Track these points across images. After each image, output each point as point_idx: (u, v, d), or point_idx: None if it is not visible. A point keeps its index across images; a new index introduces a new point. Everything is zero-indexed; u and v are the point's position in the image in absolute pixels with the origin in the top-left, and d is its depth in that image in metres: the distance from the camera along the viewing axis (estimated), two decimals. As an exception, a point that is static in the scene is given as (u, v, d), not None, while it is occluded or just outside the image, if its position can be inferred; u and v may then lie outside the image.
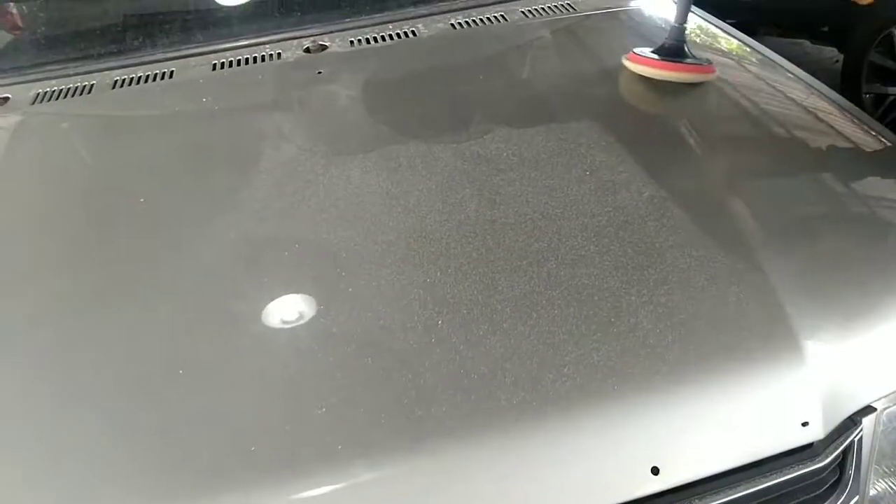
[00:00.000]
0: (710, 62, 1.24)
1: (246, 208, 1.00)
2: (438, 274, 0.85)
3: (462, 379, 0.73)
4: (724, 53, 1.40)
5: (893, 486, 0.85)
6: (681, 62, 1.22)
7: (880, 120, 3.25)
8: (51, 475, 0.69)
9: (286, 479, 0.67)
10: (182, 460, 0.69)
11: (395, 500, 0.67)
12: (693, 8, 1.55)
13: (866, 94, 3.26)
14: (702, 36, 1.45)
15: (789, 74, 1.28)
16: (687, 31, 1.25)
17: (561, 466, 0.68)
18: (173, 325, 0.83)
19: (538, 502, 0.67)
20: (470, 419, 0.70)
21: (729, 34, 1.45)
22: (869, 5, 2.23)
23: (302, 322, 0.81)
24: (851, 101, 1.29)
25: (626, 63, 1.24)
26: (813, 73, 1.30)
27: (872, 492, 0.83)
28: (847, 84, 3.32)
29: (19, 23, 1.65)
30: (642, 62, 1.22)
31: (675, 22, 1.25)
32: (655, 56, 1.22)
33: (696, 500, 0.69)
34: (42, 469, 0.70)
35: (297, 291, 0.86)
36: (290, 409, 0.72)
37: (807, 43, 3.78)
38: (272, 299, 0.85)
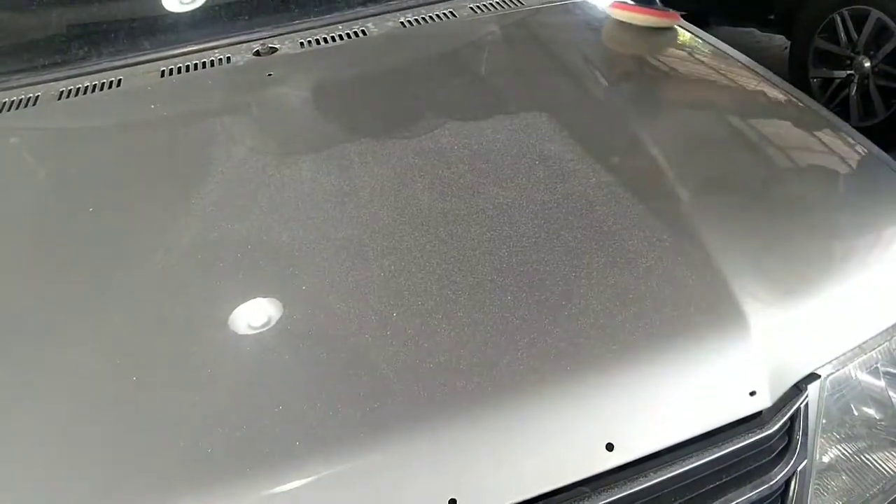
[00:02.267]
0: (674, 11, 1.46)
1: (198, 213, 0.99)
2: (392, 267, 0.85)
3: (417, 368, 0.73)
4: (676, 45, 1.42)
5: (845, 452, 0.88)
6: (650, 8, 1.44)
7: (827, 103, 3.35)
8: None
9: (244, 479, 0.67)
10: (137, 465, 0.68)
11: (356, 493, 0.67)
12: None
13: (813, 78, 3.36)
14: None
15: (739, 64, 1.31)
16: None
17: (518, 449, 0.69)
18: (126, 331, 0.82)
19: (498, 485, 0.68)
20: (427, 408, 0.70)
21: (681, 27, 1.47)
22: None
23: (256, 322, 0.81)
24: (799, 86, 1.33)
25: (610, 11, 1.46)
26: (763, 61, 1.33)
27: (826, 458, 0.86)
28: (794, 70, 3.41)
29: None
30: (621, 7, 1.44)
31: None
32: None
33: (651, 474, 0.71)
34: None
35: (250, 292, 0.86)
36: (246, 408, 0.72)
37: (756, 31, 3.87)
38: (226, 301, 0.84)
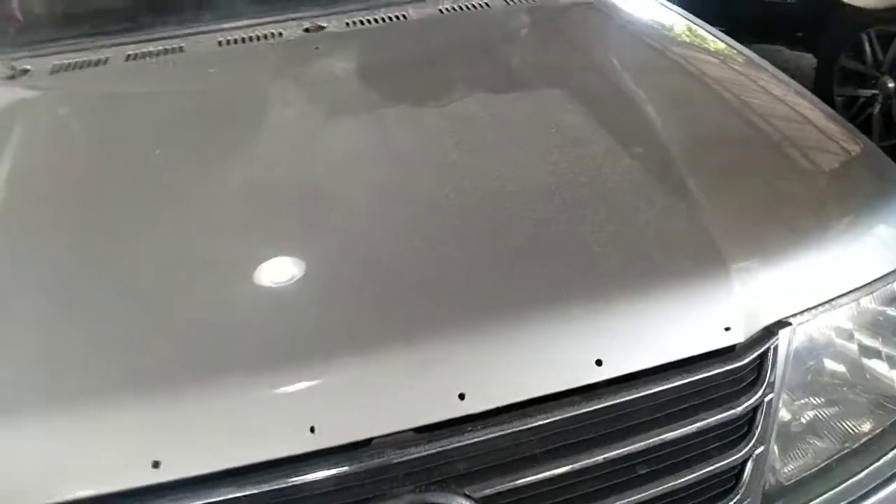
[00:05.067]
0: None
1: (251, 157, 1.13)
2: (420, 209, 0.97)
3: (438, 288, 0.86)
4: (711, 53, 1.51)
5: (811, 402, 0.98)
6: None
7: (851, 121, 3.40)
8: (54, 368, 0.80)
9: (276, 370, 0.78)
10: (186, 355, 0.80)
11: (382, 381, 0.78)
12: (682, 12, 1.65)
13: (838, 96, 3.43)
14: (691, 37, 1.58)
15: (770, 73, 1.37)
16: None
17: (521, 357, 0.80)
18: (186, 242, 0.95)
19: (502, 385, 0.79)
20: (444, 319, 0.82)
21: (716, 37, 1.54)
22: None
23: (295, 245, 0.94)
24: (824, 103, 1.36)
25: None
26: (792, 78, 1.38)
27: (794, 404, 0.96)
28: (820, 87, 3.48)
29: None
30: None
31: None
32: None
33: (634, 389, 0.81)
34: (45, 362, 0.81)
35: (293, 220, 0.99)
36: (283, 313, 0.85)
37: (786, 50, 3.94)
38: (273, 225, 0.97)
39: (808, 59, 3.82)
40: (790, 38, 3.75)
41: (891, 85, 3.20)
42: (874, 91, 3.27)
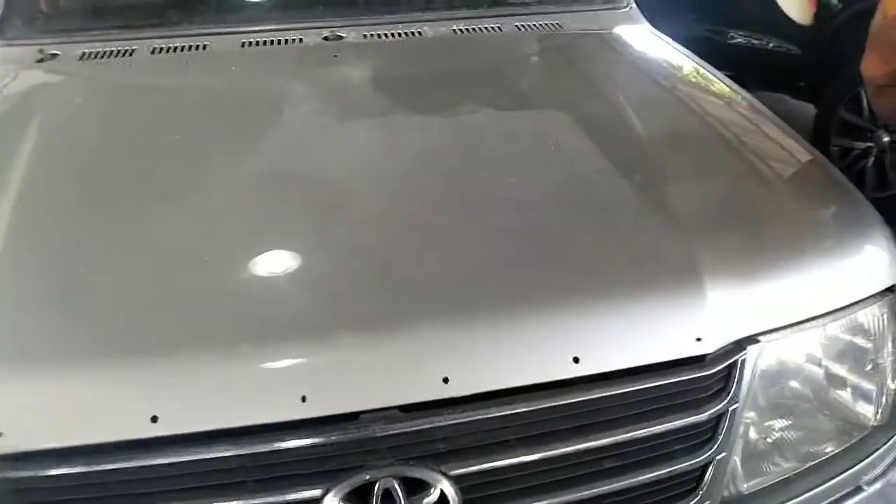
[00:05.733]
0: None
1: (266, 150, 1.19)
2: (423, 208, 1.04)
3: (430, 279, 0.92)
4: (712, 93, 1.56)
5: (775, 417, 1.03)
6: None
7: (845, 171, 3.49)
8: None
9: (277, 341, 0.84)
10: (193, 322, 0.87)
11: (378, 358, 0.84)
12: (689, 53, 1.72)
13: (834, 147, 3.51)
14: (694, 77, 1.64)
15: (766, 116, 1.42)
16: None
17: (503, 350, 0.86)
18: (198, 222, 1.02)
19: (483, 374, 0.85)
20: (436, 305, 0.88)
21: (719, 79, 1.60)
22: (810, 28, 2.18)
23: (304, 232, 1.00)
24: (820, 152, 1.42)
25: None
26: (793, 128, 1.40)
27: (756, 419, 0.99)
28: (818, 137, 3.57)
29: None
30: None
31: None
32: None
33: (607, 387, 0.87)
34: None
35: (302, 209, 1.05)
36: (287, 290, 0.91)
37: (789, 99, 4.04)
38: (283, 213, 1.03)
39: (810, 109, 3.92)
40: (794, 87, 3.85)
41: (885, 139, 3.29)
42: (869, 144, 3.35)
